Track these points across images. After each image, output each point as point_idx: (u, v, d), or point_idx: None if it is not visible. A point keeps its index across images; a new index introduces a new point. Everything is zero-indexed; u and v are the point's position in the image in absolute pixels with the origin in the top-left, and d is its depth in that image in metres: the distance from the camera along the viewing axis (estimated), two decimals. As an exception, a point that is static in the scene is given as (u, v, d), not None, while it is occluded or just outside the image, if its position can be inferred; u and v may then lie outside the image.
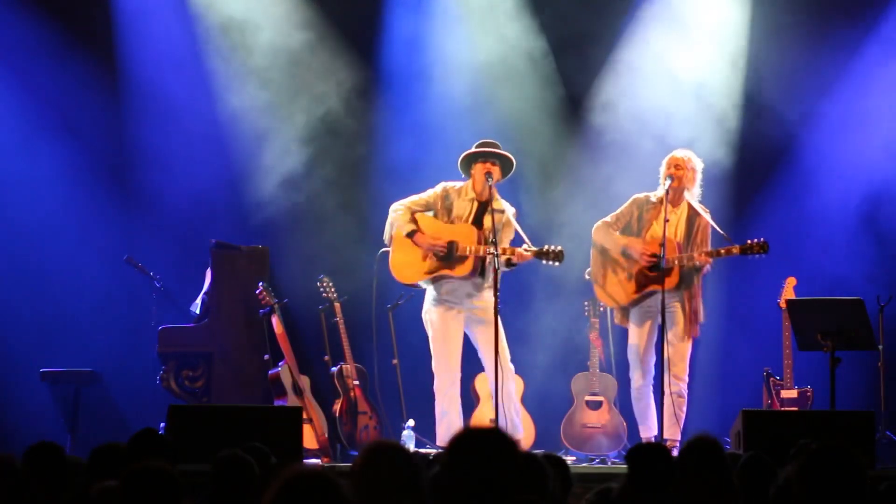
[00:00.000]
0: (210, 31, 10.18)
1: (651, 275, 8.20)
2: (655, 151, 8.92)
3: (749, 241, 8.11)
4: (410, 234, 8.28)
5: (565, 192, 10.11)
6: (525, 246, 8.09)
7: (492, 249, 7.94)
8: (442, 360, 8.30)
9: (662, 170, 8.30)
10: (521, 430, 8.40)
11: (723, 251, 8.14)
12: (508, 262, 8.12)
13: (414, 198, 8.42)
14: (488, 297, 8.16)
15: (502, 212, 8.25)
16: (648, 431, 8.29)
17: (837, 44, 9.89)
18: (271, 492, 2.92)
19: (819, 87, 9.95)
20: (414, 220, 8.33)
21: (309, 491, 2.91)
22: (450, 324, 8.29)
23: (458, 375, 8.37)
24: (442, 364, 8.30)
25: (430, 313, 8.34)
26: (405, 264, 8.33)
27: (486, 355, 8.28)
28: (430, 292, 8.36)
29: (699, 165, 8.31)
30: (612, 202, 8.75)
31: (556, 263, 8.12)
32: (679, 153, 8.32)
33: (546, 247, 8.14)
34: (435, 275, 8.27)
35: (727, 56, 10.02)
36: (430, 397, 8.38)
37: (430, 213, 8.38)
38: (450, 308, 8.30)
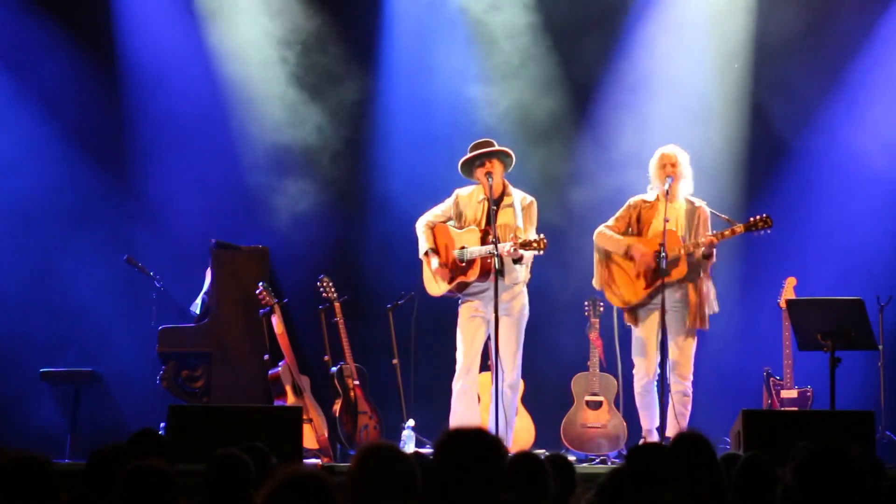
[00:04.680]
0: (211, 29, 10.18)
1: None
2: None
3: (752, 218, 8.08)
4: (426, 255, 8.36)
5: (567, 186, 10.11)
6: (510, 245, 8.03)
7: (491, 249, 7.95)
8: (460, 358, 8.30)
9: (655, 170, 8.29)
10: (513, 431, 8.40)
11: (727, 232, 8.08)
12: (513, 260, 8.12)
13: (434, 210, 8.48)
14: (508, 299, 8.15)
15: (511, 206, 8.22)
16: (650, 422, 8.23)
17: (844, 40, 9.89)
18: (264, 491, 2.93)
19: (820, 91, 9.95)
20: (432, 233, 8.39)
21: (301, 492, 2.91)
22: (474, 326, 8.29)
23: (476, 376, 8.33)
24: (460, 363, 8.30)
25: (460, 314, 8.36)
26: (430, 279, 8.39)
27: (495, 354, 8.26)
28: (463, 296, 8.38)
29: (686, 158, 8.32)
30: (616, 196, 8.77)
31: (540, 252, 8.06)
32: (668, 150, 8.31)
33: (527, 239, 8.03)
34: (456, 283, 8.28)
35: (728, 56, 10.04)
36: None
37: (452, 222, 8.41)
38: (474, 310, 8.30)
